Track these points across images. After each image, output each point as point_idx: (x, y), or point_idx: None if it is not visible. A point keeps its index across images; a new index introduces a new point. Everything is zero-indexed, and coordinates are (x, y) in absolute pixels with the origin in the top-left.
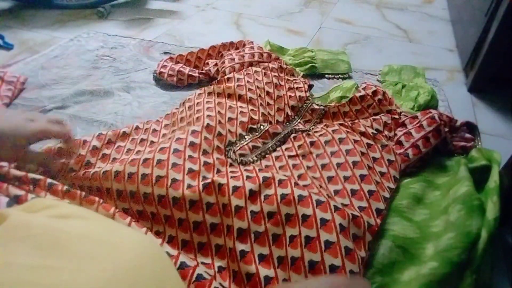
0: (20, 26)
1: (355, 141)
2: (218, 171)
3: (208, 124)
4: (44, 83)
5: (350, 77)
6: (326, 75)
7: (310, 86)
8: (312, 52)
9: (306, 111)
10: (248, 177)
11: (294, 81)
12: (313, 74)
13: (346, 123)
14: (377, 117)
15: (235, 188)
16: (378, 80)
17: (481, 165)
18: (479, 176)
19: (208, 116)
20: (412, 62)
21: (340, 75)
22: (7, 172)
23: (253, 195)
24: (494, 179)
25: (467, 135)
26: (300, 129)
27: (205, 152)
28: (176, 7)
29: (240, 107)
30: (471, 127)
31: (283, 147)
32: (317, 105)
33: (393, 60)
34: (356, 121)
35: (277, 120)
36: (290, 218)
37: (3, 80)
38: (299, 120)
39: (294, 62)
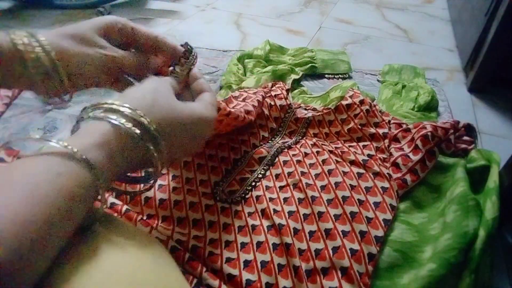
0: (20, 26)
1: (344, 173)
2: (211, 223)
3: (187, 178)
4: None
5: (350, 77)
6: (326, 75)
7: (288, 90)
8: (312, 52)
9: (290, 121)
10: (239, 228)
11: (271, 89)
12: (313, 74)
13: (336, 151)
14: (367, 143)
15: (229, 259)
16: (378, 80)
17: (481, 165)
18: (479, 176)
19: (185, 164)
20: (412, 62)
21: (340, 75)
22: None
23: (244, 247)
24: (493, 179)
25: (466, 138)
26: (287, 144)
27: (192, 205)
28: (176, 7)
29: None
30: (469, 129)
31: (273, 172)
32: (301, 109)
33: (393, 60)
34: (346, 150)
35: (263, 136)
36: (281, 269)
37: None
38: (284, 132)
39: (294, 62)
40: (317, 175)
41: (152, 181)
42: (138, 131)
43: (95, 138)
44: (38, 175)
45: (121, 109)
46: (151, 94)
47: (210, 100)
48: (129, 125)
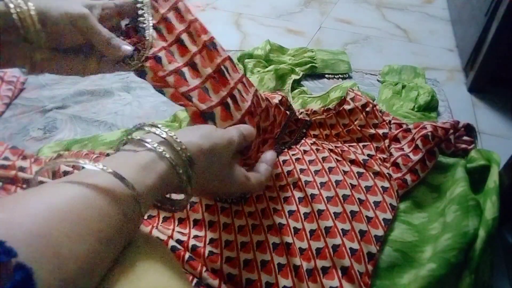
0: None
1: (345, 172)
2: (211, 223)
3: None
4: (44, 83)
5: (350, 77)
6: (326, 75)
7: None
8: (312, 52)
9: (290, 121)
10: (239, 227)
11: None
12: (313, 74)
13: (336, 150)
14: (367, 143)
15: (229, 259)
16: (378, 80)
17: (481, 165)
18: (479, 176)
19: None
20: (412, 62)
21: (340, 75)
22: (15, 175)
23: (244, 247)
24: (493, 179)
25: (466, 138)
26: (287, 145)
27: (192, 205)
28: None
29: None
30: (469, 129)
31: (273, 172)
32: (303, 114)
33: (393, 60)
34: (346, 149)
35: None
36: (281, 269)
37: (3, 80)
38: (284, 132)
39: (294, 62)
40: (316, 172)
41: (179, 207)
42: (185, 178)
43: (154, 181)
44: (106, 214)
45: (181, 153)
46: (212, 149)
47: (256, 183)
48: (181, 171)
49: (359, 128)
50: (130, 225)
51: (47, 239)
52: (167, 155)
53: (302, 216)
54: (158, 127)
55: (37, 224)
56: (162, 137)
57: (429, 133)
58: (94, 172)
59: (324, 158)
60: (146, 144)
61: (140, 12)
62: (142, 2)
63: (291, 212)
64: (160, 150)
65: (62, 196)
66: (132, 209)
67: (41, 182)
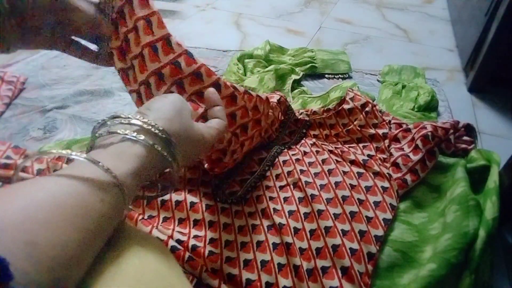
0: None
1: (345, 172)
2: (211, 223)
3: (189, 178)
4: (44, 83)
5: (350, 77)
6: (326, 75)
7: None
8: (312, 52)
9: (290, 121)
10: (239, 227)
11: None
12: (313, 74)
13: (336, 151)
14: (367, 143)
15: (229, 259)
16: (378, 80)
17: (481, 165)
18: (479, 176)
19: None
20: (412, 62)
21: (340, 75)
22: (13, 175)
23: (244, 246)
24: (493, 179)
25: (466, 138)
26: (286, 145)
27: (192, 205)
28: (176, 7)
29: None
30: (469, 129)
31: (273, 173)
32: (303, 114)
33: (393, 60)
34: (346, 150)
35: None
36: (281, 269)
37: (3, 80)
38: (284, 133)
39: (294, 62)
40: (316, 174)
41: (170, 189)
42: (165, 153)
43: (133, 164)
44: (83, 201)
45: (153, 130)
46: (175, 111)
47: (218, 127)
48: (159, 147)
49: (358, 128)
50: (112, 212)
51: (22, 228)
52: (141, 137)
53: (302, 216)
54: (121, 116)
55: (12, 215)
56: (131, 124)
57: (429, 133)
58: (73, 165)
59: (323, 160)
60: (117, 135)
61: None
62: None
63: (291, 212)
64: (133, 135)
65: (39, 187)
66: (113, 195)
67: None
